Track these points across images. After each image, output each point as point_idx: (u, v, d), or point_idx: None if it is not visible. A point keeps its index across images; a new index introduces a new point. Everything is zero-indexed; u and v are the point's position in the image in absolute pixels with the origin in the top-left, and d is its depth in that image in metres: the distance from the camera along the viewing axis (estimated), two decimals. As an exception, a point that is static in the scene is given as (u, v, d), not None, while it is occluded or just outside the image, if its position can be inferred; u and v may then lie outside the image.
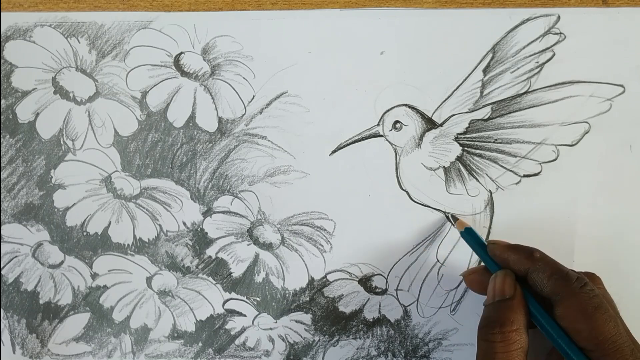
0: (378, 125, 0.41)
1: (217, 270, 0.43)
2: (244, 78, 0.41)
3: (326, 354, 0.43)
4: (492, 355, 0.32)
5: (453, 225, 0.41)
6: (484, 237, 0.41)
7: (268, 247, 0.42)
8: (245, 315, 0.43)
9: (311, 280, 0.42)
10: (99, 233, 0.43)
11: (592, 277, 0.36)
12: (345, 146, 0.41)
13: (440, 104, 0.40)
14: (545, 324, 0.33)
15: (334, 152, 0.41)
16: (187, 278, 0.43)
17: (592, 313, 0.31)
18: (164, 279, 0.43)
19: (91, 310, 0.43)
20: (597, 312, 0.31)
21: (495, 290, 0.35)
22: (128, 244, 0.43)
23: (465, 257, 0.41)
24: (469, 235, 0.39)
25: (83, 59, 0.41)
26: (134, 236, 0.43)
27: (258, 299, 0.43)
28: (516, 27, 0.40)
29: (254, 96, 0.41)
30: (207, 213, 0.42)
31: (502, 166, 0.41)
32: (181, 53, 0.41)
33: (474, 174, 0.41)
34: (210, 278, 0.43)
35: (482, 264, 0.38)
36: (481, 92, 0.40)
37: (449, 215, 0.41)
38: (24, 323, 0.44)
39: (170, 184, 0.42)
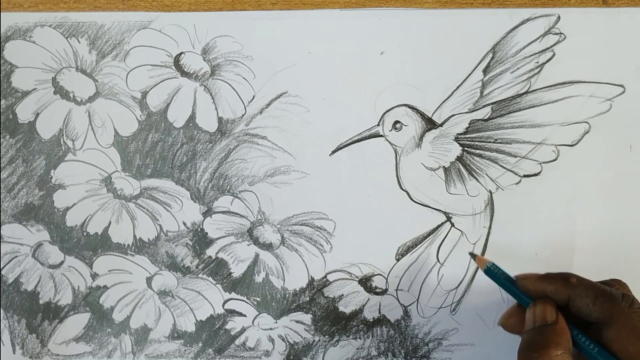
0: (378, 125, 0.41)
1: (217, 270, 0.43)
2: (244, 78, 0.41)
3: (326, 354, 0.43)
4: None
5: (474, 260, 0.38)
6: (483, 238, 0.41)
7: (268, 247, 0.42)
8: (245, 316, 0.43)
9: (311, 281, 0.42)
10: (99, 233, 0.43)
11: (621, 284, 0.34)
12: (345, 146, 0.41)
13: (440, 104, 0.40)
14: (595, 349, 0.31)
15: (334, 152, 0.41)
16: (187, 278, 0.43)
17: None
18: (164, 279, 0.43)
19: (91, 311, 0.43)
20: None
21: (535, 317, 0.33)
22: (128, 244, 0.43)
23: (465, 258, 0.41)
24: (494, 272, 0.36)
25: (83, 59, 0.41)
26: (134, 236, 0.43)
27: (258, 299, 0.43)
28: (516, 27, 0.40)
29: (254, 96, 0.41)
30: (207, 213, 0.42)
31: (502, 166, 0.41)
32: (181, 53, 0.41)
33: (474, 174, 0.41)
34: (210, 278, 0.43)
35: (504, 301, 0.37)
36: (481, 92, 0.40)
37: (469, 252, 0.40)
38: (24, 323, 0.44)
39: (170, 184, 0.42)
